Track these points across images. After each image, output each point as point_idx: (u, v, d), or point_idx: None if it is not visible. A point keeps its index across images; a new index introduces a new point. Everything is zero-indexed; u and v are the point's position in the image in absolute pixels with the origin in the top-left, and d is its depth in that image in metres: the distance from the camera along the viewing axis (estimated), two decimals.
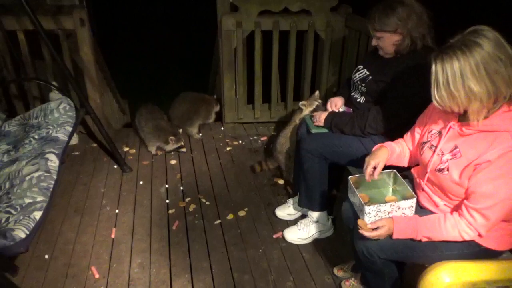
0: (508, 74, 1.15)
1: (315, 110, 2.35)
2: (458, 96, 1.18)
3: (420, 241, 1.35)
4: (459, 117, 1.32)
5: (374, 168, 1.49)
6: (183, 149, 2.96)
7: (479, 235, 1.27)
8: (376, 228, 1.37)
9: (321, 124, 2.04)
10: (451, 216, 1.30)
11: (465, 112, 1.24)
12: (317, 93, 2.45)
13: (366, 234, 1.38)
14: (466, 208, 1.26)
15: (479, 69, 1.14)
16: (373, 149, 1.57)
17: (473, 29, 1.18)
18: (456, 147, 1.29)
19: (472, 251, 1.33)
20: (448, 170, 1.30)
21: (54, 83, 2.71)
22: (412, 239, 1.37)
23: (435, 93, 1.22)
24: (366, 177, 1.50)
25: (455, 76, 1.16)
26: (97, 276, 1.96)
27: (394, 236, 1.36)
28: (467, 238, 1.28)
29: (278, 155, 2.58)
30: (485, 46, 1.14)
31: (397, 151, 1.57)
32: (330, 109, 2.14)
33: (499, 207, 1.21)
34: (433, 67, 1.20)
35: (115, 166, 2.85)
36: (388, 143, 1.59)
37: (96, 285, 1.92)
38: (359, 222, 1.42)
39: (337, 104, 2.15)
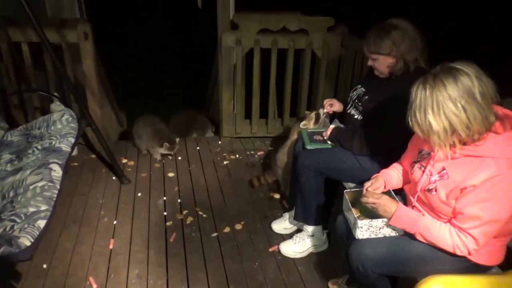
0: (467, 118, 1.20)
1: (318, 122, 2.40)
2: (421, 125, 1.27)
3: (413, 234, 1.41)
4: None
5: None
6: (170, 157, 3.13)
7: (469, 253, 1.33)
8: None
9: (327, 137, 2.10)
10: (452, 227, 1.34)
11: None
12: (321, 111, 2.46)
13: (369, 198, 1.45)
14: (457, 227, 1.32)
15: (439, 107, 1.22)
16: (372, 177, 1.63)
17: (451, 66, 1.24)
18: (443, 169, 1.35)
19: (462, 265, 1.38)
20: (436, 190, 1.36)
21: (56, 94, 2.75)
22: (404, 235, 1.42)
23: (408, 115, 1.31)
24: (364, 190, 1.55)
25: (420, 106, 1.25)
26: (94, 286, 1.98)
27: (391, 222, 1.42)
28: (458, 253, 1.33)
29: (278, 169, 2.64)
30: (448, 88, 1.21)
31: (393, 181, 1.63)
32: (325, 109, 2.23)
33: (486, 229, 1.27)
34: (412, 90, 1.29)
35: (114, 178, 2.88)
36: (385, 173, 1.64)
37: None
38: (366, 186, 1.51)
39: (334, 104, 2.22)
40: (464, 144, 1.29)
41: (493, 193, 1.24)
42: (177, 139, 3.06)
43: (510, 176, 1.22)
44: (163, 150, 3.01)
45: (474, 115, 1.21)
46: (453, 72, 1.22)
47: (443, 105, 1.21)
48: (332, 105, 2.25)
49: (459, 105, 1.20)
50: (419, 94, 1.25)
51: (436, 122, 1.23)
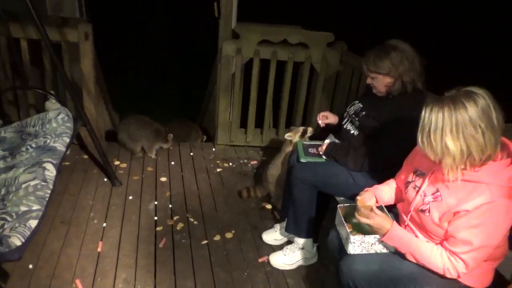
0: (484, 142, 1.22)
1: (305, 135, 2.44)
2: (435, 147, 1.27)
3: (404, 254, 1.42)
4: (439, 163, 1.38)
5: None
6: (171, 147, 3.35)
7: (458, 276, 1.35)
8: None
9: (322, 152, 2.13)
10: (443, 250, 1.36)
11: (440, 163, 1.31)
12: (310, 130, 2.51)
13: (362, 215, 1.45)
14: (449, 250, 1.34)
15: (458, 129, 1.22)
16: (366, 189, 1.64)
17: (468, 90, 1.25)
18: (438, 191, 1.37)
19: (452, 287, 1.40)
20: (429, 212, 1.38)
21: (52, 92, 2.74)
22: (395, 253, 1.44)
23: (419, 137, 1.31)
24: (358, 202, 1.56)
25: (436, 128, 1.25)
26: None
27: (384, 239, 1.43)
28: (448, 275, 1.35)
29: (269, 185, 2.65)
30: (469, 110, 1.21)
31: (385, 198, 1.65)
32: (319, 120, 2.26)
33: (476, 254, 1.29)
34: (423, 112, 1.29)
35: (105, 179, 2.86)
36: (378, 189, 1.65)
37: None
38: (359, 201, 1.51)
39: (328, 117, 2.25)
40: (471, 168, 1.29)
41: (485, 220, 1.26)
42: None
43: (502, 203, 1.25)
44: (169, 144, 3.24)
45: (490, 139, 1.22)
46: (472, 96, 1.22)
47: (463, 127, 1.21)
48: (327, 118, 2.28)
49: (478, 128, 1.21)
50: (435, 116, 1.24)
51: (454, 144, 1.23)
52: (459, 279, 1.38)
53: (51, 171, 1.88)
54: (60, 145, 2.12)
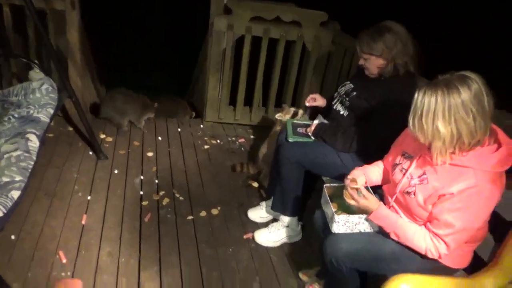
0: (475, 126, 1.22)
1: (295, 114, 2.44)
2: (426, 130, 1.27)
3: (388, 234, 1.45)
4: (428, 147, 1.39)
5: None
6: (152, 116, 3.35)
7: (439, 257, 1.38)
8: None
9: (311, 133, 2.12)
10: (426, 231, 1.39)
11: (430, 146, 1.32)
12: (300, 112, 2.50)
13: (349, 196, 1.48)
14: (432, 232, 1.37)
15: (450, 113, 1.22)
16: (356, 168, 1.64)
17: (462, 74, 1.25)
18: (424, 174, 1.39)
19: (431, 266, 1.44)
20: (414, 194, 1.40)
21: (36, 62, 2.65)
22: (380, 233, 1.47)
23: (410, 119, 1.31)
24: (346, 183, 1.56)
25: (428, 111, 1.24)
26: (64, 261, 1.94)
27: (370, 217, 1.45)
28: (429, 255, 1.38)
29: (263, 164, 2.65)
30: (463, 95, 1.21)
31: (374, 178, 1.66)
32: (307, 103, 2.25)
33: (458, 236, 1.32)
34: (416, 95, 1.29)
35: (90, 153, 2.82)
36: (368, 169, 1.66)
37: (63, 270, 1.90)
38: (349, 182, 1.52)
39: (317, 99, 2.24)
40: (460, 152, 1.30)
41: (468, 203, 1.28)
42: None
43: (486, 188, 1.27)
44: (152, 115, 3.26)
45: (480, 124, 1.23)
46: (466, 80, 1.22)
47: (455, 111, 1.22)
48: (315, 100, 2.26)
49: (470, 112, 1.21)
50: (428, 99, 1.24)
51: (445, 127, 1.23)
52: (439, 259, 1.41)
53: (34, 142, 1.83)
54: (44, 116, 2.07)
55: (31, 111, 2.09)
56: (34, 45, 2.95)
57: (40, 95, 2.26)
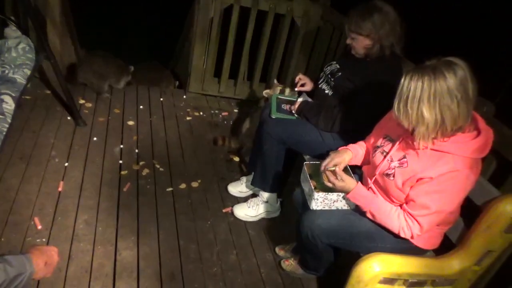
0: (458, 112, 1.24)
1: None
2: (411, 115, 1.27)
3: (364, 213, 1.49)
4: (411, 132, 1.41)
5: (335, 165, 1.56)
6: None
7: (412, 237, 1.43)
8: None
9: (294, 111, 2.11)
10: (401, 211, 1.43)
11: (413, 131, 1.34)
12: (287, 90, 2.46)
13: (326, 179, 1.50)
14: (407, 212, 1.41)
15: (435, 98, 1.23)
16: (339, 149, 1.66)
17: (448, 60, 1.25)
18: (404, 157, 1.41)
19: (403, 246, 1.49)
20: (394, 176, 1.42)
21: (12, 18, 2.51)
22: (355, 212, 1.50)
23: (395, 104, 1.31)
24: (322, 168, 1.59)
25: (414, 96, 1.25)
26: (39, 227, 1.92)
27: (348, 195, 1.48)
28: (402, 235, 1.42)
29: (246, 139, 2.63)
30: (448, 81, 1.22)
31: (359, 156, 1.68)
32: (296, 88, 2.24)
33: (432, 218, 1.37)
34: (402, 80, 1.28)
35: (69, 118, 2.75)
36: (354, 147, 1.68)
37: (38, 236, 1.88)
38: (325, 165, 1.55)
39: (306, 84, 2.23)
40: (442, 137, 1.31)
41: (445, 187, 1.31)
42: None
43: (464, 173, 1.30)
44: (128, 78, 3.18)
45: (463, 111, 1.24)
46: (452, 66, 1.23)
47: (440, 97, 1.22)
48: (304, 85, 2.24)
49: (454, 98, 1.22)
50: (415, 84, 1.24)
51: (429, 113, 1.24)
52: (412, 240, 1.46)
53: (9, 104, 1.76)
54: (20, 77, 1.98)
55: (7, 71, 2.00)
56: (10, 1, 2.79)
57: (16, 55, 2.16)
